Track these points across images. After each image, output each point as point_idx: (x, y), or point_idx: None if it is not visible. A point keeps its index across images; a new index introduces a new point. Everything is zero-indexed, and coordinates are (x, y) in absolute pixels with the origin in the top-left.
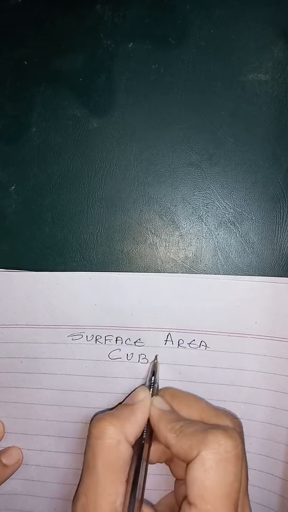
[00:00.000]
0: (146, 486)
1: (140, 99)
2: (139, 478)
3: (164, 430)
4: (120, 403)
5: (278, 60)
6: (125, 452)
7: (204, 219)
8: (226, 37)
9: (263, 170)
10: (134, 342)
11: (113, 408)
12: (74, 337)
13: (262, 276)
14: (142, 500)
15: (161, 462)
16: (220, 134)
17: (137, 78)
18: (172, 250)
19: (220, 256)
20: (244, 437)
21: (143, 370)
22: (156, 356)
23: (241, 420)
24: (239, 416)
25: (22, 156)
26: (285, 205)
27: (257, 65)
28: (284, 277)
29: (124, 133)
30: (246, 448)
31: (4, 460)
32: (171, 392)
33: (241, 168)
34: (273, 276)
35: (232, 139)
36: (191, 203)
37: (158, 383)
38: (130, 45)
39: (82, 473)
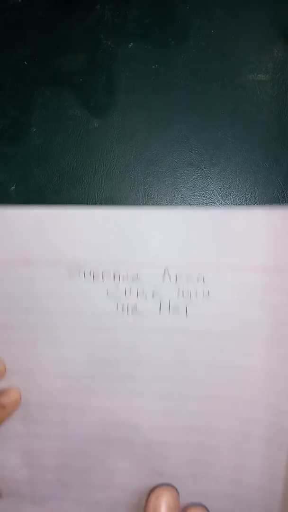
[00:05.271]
0: None
1: (140, 99)
2: None
3: None
4: None
5: (278, 60)
6: None
7: None
8: (226, 37)
9: (263, 170)
10: (132, 278)
11: None
12: (72, 273)
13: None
14: None
15: None
16: (220, 134)
17: (137, 78)
18: None
19: None
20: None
21: (141, 305)
22: None
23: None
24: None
25: (22, 156)
26: (285, 205)
27: (257, 65)
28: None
29: (124, 133)
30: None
31: (2, 400)
32: None
33: (241, 168)
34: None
35: (232, 139)
36: (191, 203)
37: None
38: (130, 45)
39: None
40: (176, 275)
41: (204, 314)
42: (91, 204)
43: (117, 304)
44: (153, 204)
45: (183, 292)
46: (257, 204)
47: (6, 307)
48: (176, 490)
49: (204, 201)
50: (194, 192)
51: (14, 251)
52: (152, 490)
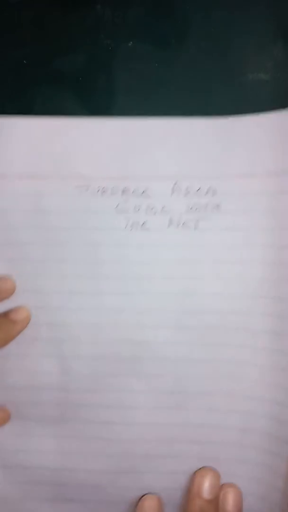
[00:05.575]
0: None
1: (140, 99)
2: None
3: None
4: None
5: (278, 60)
6: None
7: None
8: (226, 37)
9: None
10: (141, 193)
11: None
12: (81, 189)
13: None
14: None
15: None
16: None
17: (137, 78)
18: None
19: None
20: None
21: (151, 221)
22: None
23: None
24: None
25: None
26: None
27: (257, 65)
28: None
29: None
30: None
31: (12, 317)
32: None
33: None
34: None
35: None
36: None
37: None
38: (130, 45)
39: None
40: (186, 189)
41: (214, 227)
42: None
43: (126, 219)
44: None
45: (192, 205)
46: None
47: (14, 224)
48: (218, 473)
49: None
50: None
51: (21, 165)
52: (198, 470)
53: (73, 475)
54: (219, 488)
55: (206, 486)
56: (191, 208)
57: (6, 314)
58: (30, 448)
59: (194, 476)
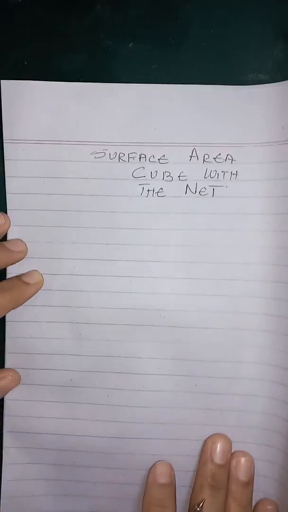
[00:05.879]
0: None
1: None
2: None
3: None
4: None
5: (278, 60)
6: None
7: None
8: (226, 37)
9: None
10: (158, 159)
11: None
12: (97, 155)
13: None
14: None
15: None
16: None
17: (137, 78)
18: None
19: None
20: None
21: (167, 188)
22: None
23: None
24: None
25: None
26: None
27: (257, 65)
28: None
29: None
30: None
31: (25, 279)
32: None
33: None
34: None
35: None
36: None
37: None
38: (130, 45)
39: None
40: (203, 156)
41: (231, 195)
42: None
43: (142, 186)
44: None
45: (210, 173)
46: None
47: (29, 189)
48: (230, 439)
49: None
50: None
51: (38, 130)
52: (210, 436)
53: (82, 441)
54: (231, 454)
55: (218, 451)
56: (209, 175)
57: (19, 276)
58: (39, 413)
59: (206, 442)
